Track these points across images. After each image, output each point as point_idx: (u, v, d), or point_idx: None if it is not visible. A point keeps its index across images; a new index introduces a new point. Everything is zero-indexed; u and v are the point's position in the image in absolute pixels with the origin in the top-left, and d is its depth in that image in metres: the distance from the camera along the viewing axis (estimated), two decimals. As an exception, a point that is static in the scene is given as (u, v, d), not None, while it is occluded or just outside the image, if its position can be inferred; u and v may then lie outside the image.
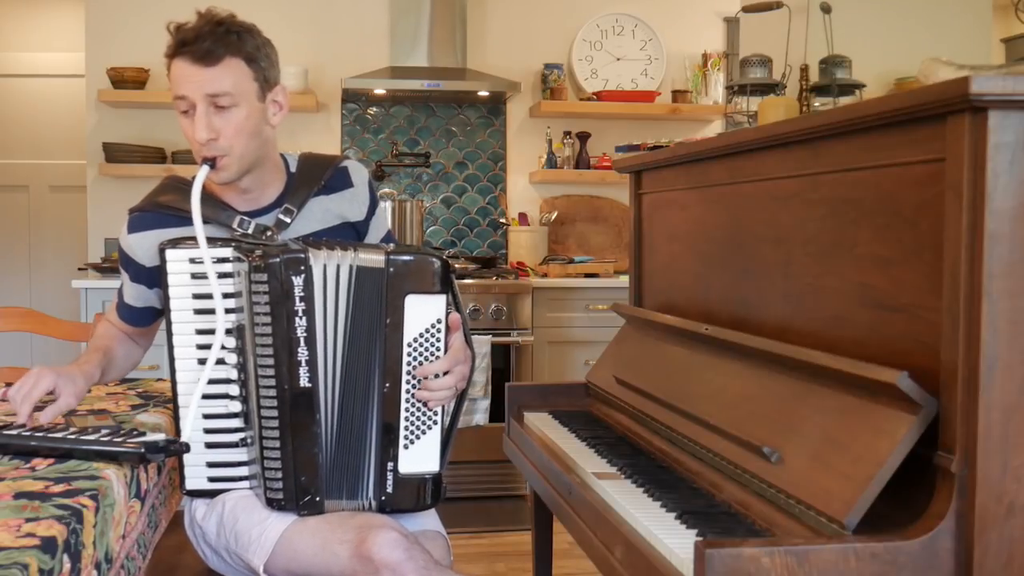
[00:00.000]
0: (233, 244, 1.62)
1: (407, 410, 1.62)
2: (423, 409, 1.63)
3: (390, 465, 1.62)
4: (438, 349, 1.62)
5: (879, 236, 1.29)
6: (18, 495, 1.23)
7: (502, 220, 4.36)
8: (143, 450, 1.43)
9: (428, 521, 1.71)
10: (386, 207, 3.94)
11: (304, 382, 1.55)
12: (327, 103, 4.23)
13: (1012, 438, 1.10)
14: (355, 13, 4.25)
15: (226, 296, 1.60)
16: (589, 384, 2.14)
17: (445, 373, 1.63)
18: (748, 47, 4.20)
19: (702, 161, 1.84)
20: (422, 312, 1.61)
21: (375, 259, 1.59)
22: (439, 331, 1.62)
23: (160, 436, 1.52)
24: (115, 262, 3.67)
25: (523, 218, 4.34)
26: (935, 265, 1.17)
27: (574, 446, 1.79)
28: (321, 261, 1.56)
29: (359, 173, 1.85)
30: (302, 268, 1.54)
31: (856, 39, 3.83)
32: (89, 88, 4.11)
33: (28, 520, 1.13)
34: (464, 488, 3.76)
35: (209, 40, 1.57)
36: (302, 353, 1.54)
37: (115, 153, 4.01)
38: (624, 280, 3.76)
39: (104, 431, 1.50)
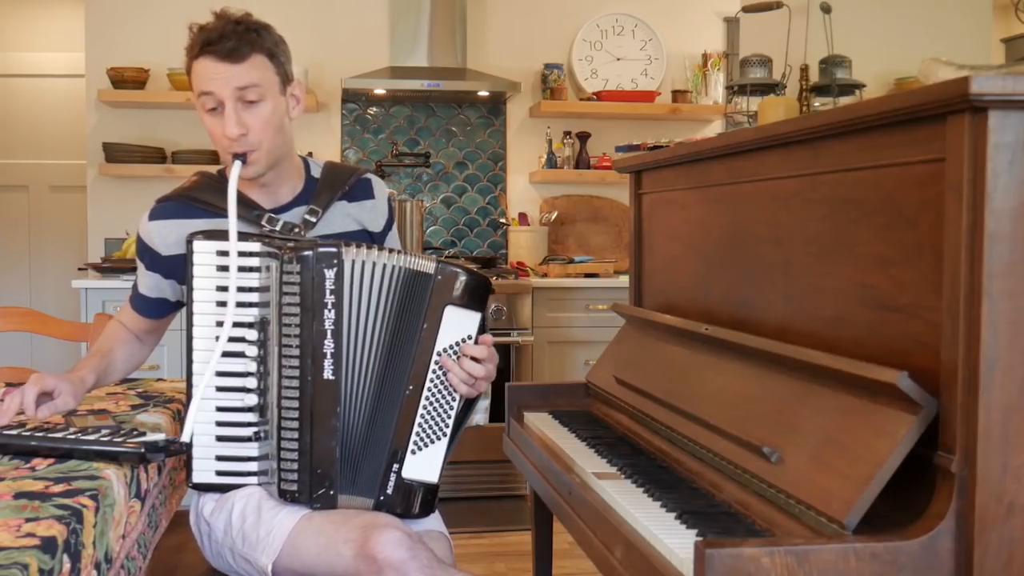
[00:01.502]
0: (263, 240, 1.64)
1: (422, 416, 1.65)
2: (436, 418, 1.66)
3: (395, 467, 1.63)
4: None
5: (879, 236, 1.29)
6: (18, 495, 1.23)
7: (502, 220, 4.36)
8: (143, 450, 1.43)
9: (431, 522, 1.72)
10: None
11: (328, 374, 1.57)
12: (327, 103, 4.23)
13: (1012, 438, 1.10)
14: (355, 13, 4.25)
15: (250, 290, 1.62)
16: (589, 384, 2.14)
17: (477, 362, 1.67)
18: (748, 47, 4.20)
19: (702, 161, 1.84)
20: (457, 325, 1.66)
21: (425, 264, 1.65)
22: None
23: (160, 436, 1.52)
24: (115, 262, 3.68)
25: (523, 218, 4.34)
26: (935, 265, 1.17)
27: (574, 446, 1.79)
28: (351, 258, 1.59)
29: (380, 188, 1.92)
30: (335, 262, 1.57)
31: (856, 39, 3.83)
32: (89, 88, 4.11)
33: (28, 520, 1.13)
34: (464, 488, 3.76)
35: (233, 39, 1.60)
36: (328, 345, 1.57)
37: (115, 153, 4.01)
38: (624, 280, 3.76)
39: (104, 431, 1.50)
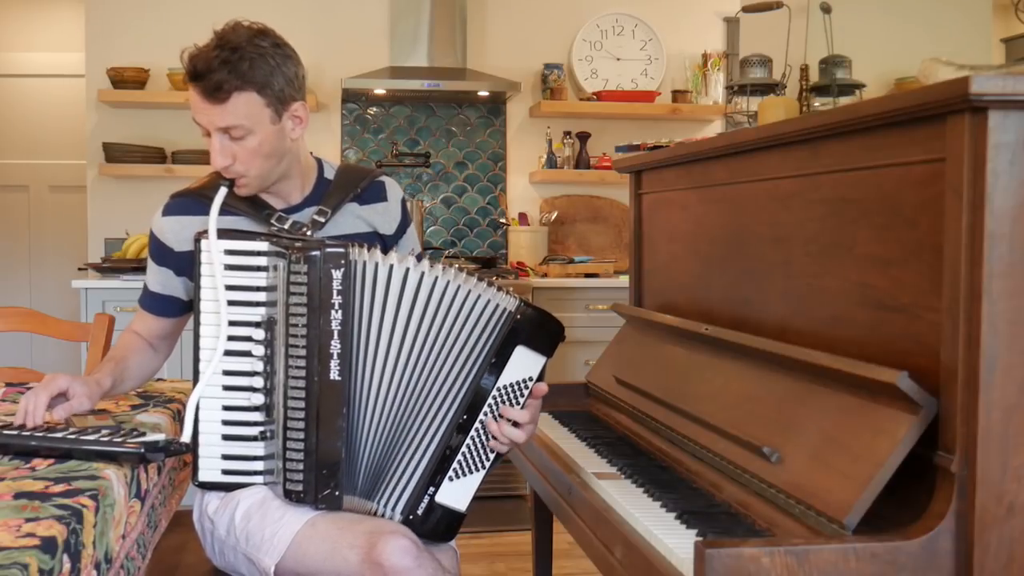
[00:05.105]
0: (271, 239, 1.64)
1: (467, 446, 1.65)
2: (482, 450, 1.66)
3: (431, 490, 1.64)
4: (517, 403, 1.67)
5: (879, 236, 1.29)
6: (18, 495, 1.23)
7: (502, 220, 4.36)
8: (143, 450, 1.43)
9: None
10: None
11: (334, 375, 1.57)
12: (327, 103, 4.23)
13: (1012, 438, 1.11)
14: (355, 13, 4.25)
15: (257, 289, 1.62)
16: (589, 384, 2.14)
17: (517, 425, 1.66)
18: (748, 47, 4.20)
19: (702, 161, 1.84)
20: (523, 365, 1.66)
21: (503, 299, 1.64)
22: (526, 388, 1.67)
23: (160, 436, 1.52)
24: (115, 262, 3.67)
25: (523, 218, 4.34)
26: (935, 265, 1.17)
27: (574, 446, 1.79)
28: (358, 258, 1.58)
29: (394, 190, 1.89)
30: (342, 263, 1.56)
31: (856, 39, 3.83)
32: (89, 88, 4.11)
33: (28, 520, 1.13)
34: (464, 488, 3.75)
35: (219, 73, 1.56)
36: (335, 346, 1.56)
37: (115, 153, 4.01)
38: (624, 280, 3.76)
39: (104, 431, 1.50)
